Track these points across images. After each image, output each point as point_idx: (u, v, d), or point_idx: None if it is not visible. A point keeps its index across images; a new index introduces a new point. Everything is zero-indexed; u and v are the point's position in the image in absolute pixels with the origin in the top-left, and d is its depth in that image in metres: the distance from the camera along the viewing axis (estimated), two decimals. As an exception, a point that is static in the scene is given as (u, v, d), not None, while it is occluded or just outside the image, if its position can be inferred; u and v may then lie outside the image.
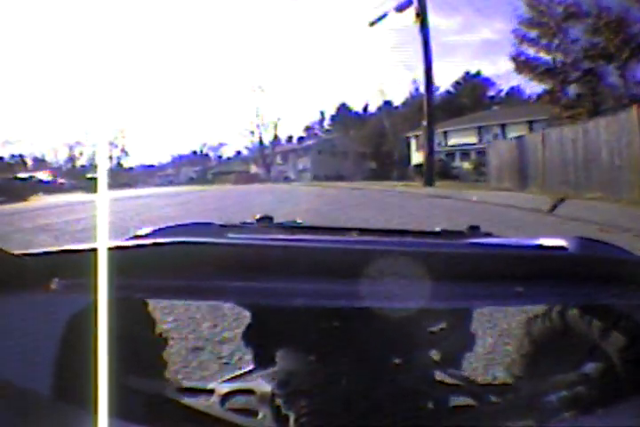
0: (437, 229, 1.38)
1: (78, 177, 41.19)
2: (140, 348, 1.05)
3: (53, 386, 0.66)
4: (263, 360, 0.99)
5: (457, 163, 34.62)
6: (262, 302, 0.81)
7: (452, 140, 36.82)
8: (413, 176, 29.83)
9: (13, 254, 0.73)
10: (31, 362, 0.67)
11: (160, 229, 1.13)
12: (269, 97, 62.58)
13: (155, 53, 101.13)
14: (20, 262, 0.73)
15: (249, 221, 1.47)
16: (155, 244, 0.76)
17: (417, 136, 38.90)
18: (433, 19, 69.44)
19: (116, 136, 60.15)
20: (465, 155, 34.25)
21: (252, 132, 56.93)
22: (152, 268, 0.74)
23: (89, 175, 34.26)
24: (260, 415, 0.94)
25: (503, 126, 34.31)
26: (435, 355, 1.02)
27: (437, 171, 31.85)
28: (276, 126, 56.97)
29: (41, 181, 29.18)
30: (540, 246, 0.99)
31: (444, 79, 49.47)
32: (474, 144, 34.61)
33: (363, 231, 1.36)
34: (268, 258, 0.78)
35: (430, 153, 21.79)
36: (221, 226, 1.29)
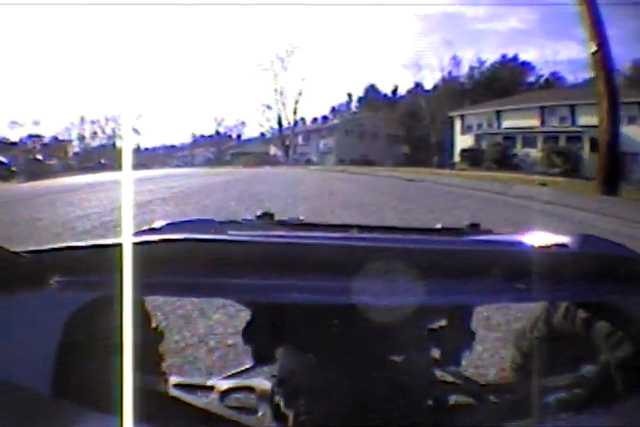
0: (438, 226, 1.37)
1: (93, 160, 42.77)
2: (137, 344, 1.00)
3: (53, 384, 0.67)
4: (263, 358, 0.99)
5: (518, 149, 28.00)
6: (262, 299, 0.83)
7: (508, 122, 30.06)
8: (460, 163, 24.35)
9: (13, 252, 0.73)
10: (30, 360, 0.68)
11: (160, 227, 1.12)
12: (292, 77, 55.77)
13: (175, 24, 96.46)
14: (20, 260, 0.74)
15: (250, 217, 1.47)
16: (155, 241, 0.76)
17: (462, 116, 32.48)
18: (458, 8, 66.54)
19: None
20: (528, 140, 27.60)
21: (270, 107, 50.49)
22: (151, 265, 0.74)
23: (102, 160, 37.49)
24: (260, 413, 0.94)
25: (572, 108, 27.89)
26: (434, 353, 1.00)
27: (493, 157, 26.28)
28: (297, 102, 50.64)
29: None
30: (542, 244, 0.98)
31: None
32: (536, 128, 28.09)
33: (363, 228, 1.34)
34: (269, 255, 0.78)
35: (614, 140, 13.11)
36: (222, 223, 1.25)
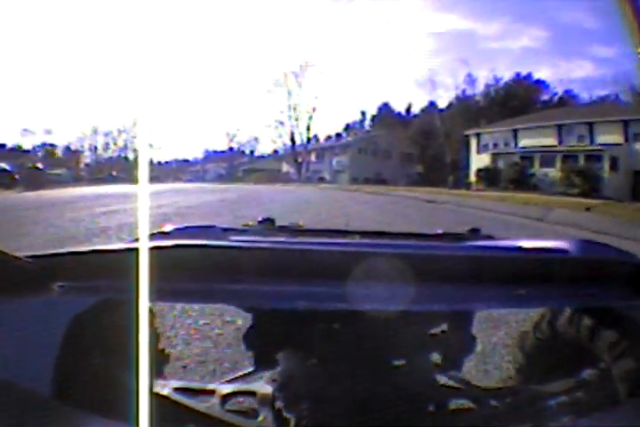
0: (438, 231, 1.37)
1: (104, 171, 43.85)
2: (139, 348, 1.01)
3: (55, 387, 0.68)
4: (264, 362, 1.00)
5: (536, 169, 27.25)
6: (264, 304, 0.83)
7: (525, 141, 29.50)
8: (476, 183, 23.77)
9: (16, 257, 0.74)
10: (32, 363, 0.69)
11: (161, 233, 1.12)
12: (306, 93, 55.61)
13: (188, 40, 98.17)
14: (23, 265, 0.75)
15: (251, 223, 1.47)
16: (155, 247, 0.76)
17: (478, 135, 32.01)
18: (470, 24, 67.55)
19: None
20: (546, 159, 26.81)
21: (283, 123, 50.35)
22: (153, 271, 0.74)
23: (114, 172, 38.48)
24: (261, 417, 0.94)
25: (591, 126, 27.30)
26: (435, 358, 1.01)
27: (511, 177, 25.62)
28: (310, 118, 50.52)
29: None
30: (541, 249, 1.00)
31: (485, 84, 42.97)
32: (554, 146, 27.46)
33: (364, 234, 1.35)
34: (270, 261, 0.78)
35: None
36: (224, 229, 1.26)
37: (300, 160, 48.31)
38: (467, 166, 31.99)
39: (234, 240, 0.98)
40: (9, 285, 0.72)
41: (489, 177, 23.80)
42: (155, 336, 1.17)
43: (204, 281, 0.74)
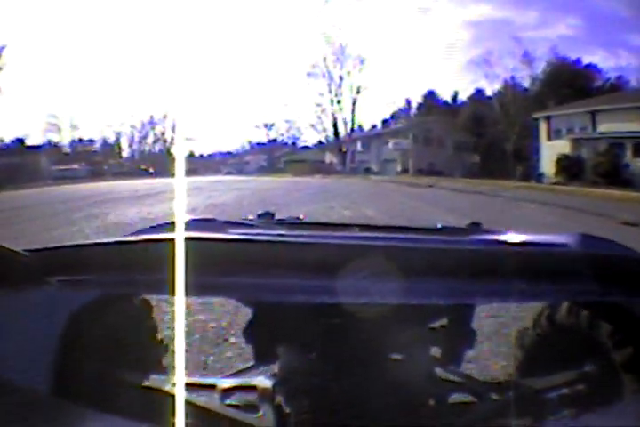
0: (438, 225, 1.35)
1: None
2: (138, 343, 1.04)
3: (53, 383, 0.68)
4: (264, 357, 1.01)
5: (629, 159, 22.46)
6: (263, 298, 0.84)
7: (607, 125, 25.17)
8: (556, 175, 19.79)
9: (14, 251, 0.74)
10: (31, 359, 0.69)
11: (160, 226, 1.13)
12: (347, 77, 51.29)
13: (230, 27, 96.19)
14: (21, 259, 0.74)
15: (251, 217, 1.46)
16: (153, 239, 0.77)
17: (548, 118, 27.75)
18: (507, 13, 65.45)
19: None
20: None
21: (323, 107, 46.76)
22: (150, 264, 0.75)
23: (143, 167, 39.26)
24: (261, 412, 0.93)
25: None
26: (436, 352, 1.02)
27: (602, 169, 21.30)
28: (354, 103, 46.76)
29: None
30: (542, 243, 0.99)
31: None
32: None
33: (364, 228, 1.33)
34: (269, 254, 0.78)
35: None
36: (223, 222, 1.26)
37: (344, 149, 44.78)
38: (536, 155, 27.97)
39: (233, 233, 0.98)
40: (8, 279, 0.71)
41: (570, 168, 19.84)
42: (153, 330, 1.15)
43: (205, 274, 0.73)
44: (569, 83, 36.22)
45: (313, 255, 0.77)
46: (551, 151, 25.38)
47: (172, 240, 0.74)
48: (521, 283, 0.76)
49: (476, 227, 1.33)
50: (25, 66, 63.06)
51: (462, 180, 23.14)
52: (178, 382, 0.94)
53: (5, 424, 0.54)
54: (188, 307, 2.79)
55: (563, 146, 24.64)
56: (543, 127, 28.01)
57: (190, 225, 1.10)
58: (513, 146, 34.02)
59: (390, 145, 37.60)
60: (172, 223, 1.11)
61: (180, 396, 0.90)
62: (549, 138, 27.14)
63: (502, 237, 1.14)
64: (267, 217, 1.42)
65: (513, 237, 1.11)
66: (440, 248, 0.85)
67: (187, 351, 1.95)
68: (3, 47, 34.23)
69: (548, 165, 25.18)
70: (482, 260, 0.80)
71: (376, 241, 0.94)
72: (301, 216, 1.57)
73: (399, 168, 36.63)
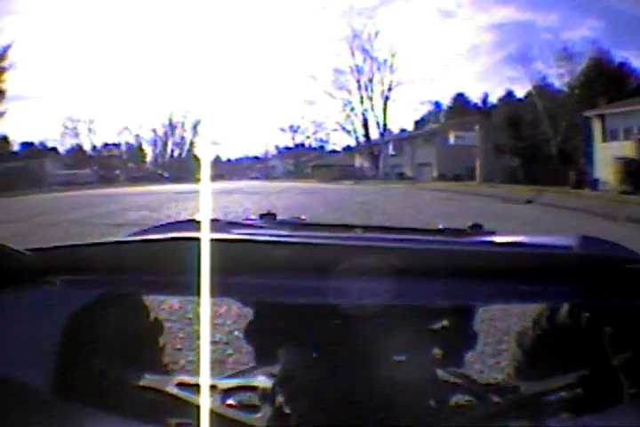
0: (440, 226, 1.35)
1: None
2: (139, 342, 1.04)
3: (54, 382, 0.68)
4: (265, 357, 1.00)
5: None
6: (265, 299, 0.84)
7: None
8: (622, 183, 17.36)
9: (16, 250, 0.74)
10: (32, 358, 0.69)
11: (163, 226, 1.12)
12: (377, 74, 48.83)
13: (259, 29, 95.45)
14: (23, 258, 0.74)
15: (253, 217, 1.45)
16: (156, 240, 0.77)
17: (602, 117, 25.04)
18: (527, 15, 66.58)
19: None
20: None
21: (350, 104, 44.52)
22: (151, 264, 0.75)
23: (160, 172, 39.30)
24: (262, 412, 0.94)
25: None
26: (437, 353, 1.01)
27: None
28: (386, 101, 44.46)
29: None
30: (544, 245, 0.99)
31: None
32: None
33: (366, 229, 1.33)
34: (271, 255, 0.78)
35: None
36: (226, 223, 1.26)
37: (376, 153, 42.57)
38: (589, 159, 25.40)
39: (236, 234, 0.97)
40: (10, 278, 0.71)
41: (638, 174, 17.42)
42: (155, 330, 1.15)
43: (206, 274, 0.73)
44: (615, 79, 33.50)
45: (315, 256, 0.77)
46: (606, 153, 22.84)
47: (173, 240, 0.74)
48: (522, 285, 0.76)
49: (477, 228, 1.31)
50: (43, 68, 63.36)
51: (511, 186, 20.93)
52: (178, 383, 0.94)
53: (5, 424, 0.55)
54: (187, 307, 2.74)
55: (621, 148, 22.06)
56: (597, 127, 25.34)
57: (192, 226, 1.08)
58: (557, 148, 31.49)
59: (451, 140, 34.25)
60: (174, 224, 1.10)
61: (183, 397, 0.90)
62: (605, 139, 24.54)
63: (504, 239, 1.12)
64: (269, 217, 1.41)
65: (514, 238, 1.11)
66: (442, 249, 0.85)
67: (186, 351, 2.03)
68: (8, 46, 33.55)
69: (603, 169, 22.58)
70: (483, 261, 0.80)
71: (378, 242, 0.94)
72: (303, 217, 1.55)
73: (435, 173, 34.36)
